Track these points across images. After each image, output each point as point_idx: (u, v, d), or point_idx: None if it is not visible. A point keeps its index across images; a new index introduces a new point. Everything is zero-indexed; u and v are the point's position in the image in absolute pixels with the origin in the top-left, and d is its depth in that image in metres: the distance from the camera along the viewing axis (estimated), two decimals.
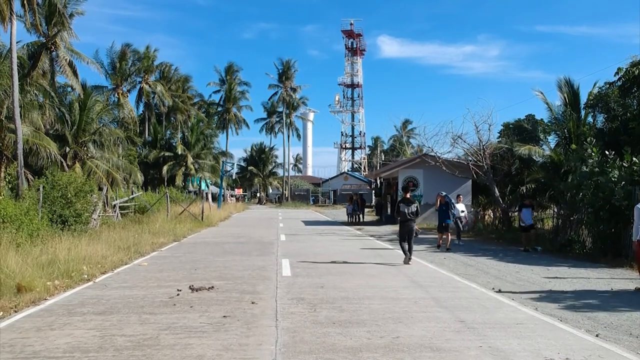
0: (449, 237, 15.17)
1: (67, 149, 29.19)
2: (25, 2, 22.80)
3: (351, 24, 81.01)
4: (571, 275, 10.54)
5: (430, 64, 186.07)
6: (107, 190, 21.31)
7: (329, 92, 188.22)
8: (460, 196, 19.02)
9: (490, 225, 23.20)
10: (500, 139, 26.11)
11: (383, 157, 69.90)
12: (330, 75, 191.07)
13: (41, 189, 15.75)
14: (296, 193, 72.82)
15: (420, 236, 19.58)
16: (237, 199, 78.51)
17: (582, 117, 20.10)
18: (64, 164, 27.27)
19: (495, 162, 22.39)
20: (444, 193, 15.50)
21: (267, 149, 74.64)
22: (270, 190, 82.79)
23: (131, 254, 12.85)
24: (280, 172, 74.61)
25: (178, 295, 7.87)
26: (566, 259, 13.52)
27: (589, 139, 15.08)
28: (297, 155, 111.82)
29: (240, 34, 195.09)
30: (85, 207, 17.56)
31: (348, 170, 78.72)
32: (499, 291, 8.55)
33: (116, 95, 42.52)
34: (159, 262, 11.93)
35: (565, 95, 21.07)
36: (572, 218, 15.78)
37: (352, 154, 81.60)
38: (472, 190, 25.45)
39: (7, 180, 16.99)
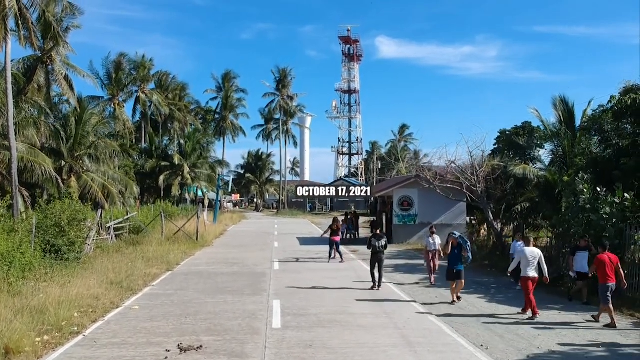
0: (462, 284, 12.85)
1: (63, 163, 29.18)
2: (19, 22, 22.72)
3: (348, 30, 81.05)
4: (561, 321, 10.66)
5: (428, 64, 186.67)
6: (101, 214, 21.24)
7: (327, 94, 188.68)
8: (519, 234, 15.88)
9: (485, 247, 23.23)
10: (496, 145, 26.05)
11: (380, 164, 69.89)
12: (329, 76, 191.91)
13: (34, 221, 15.73)
14: (293, 200, 72.81)
15: (411, 262, 19.67)
16: (235, 205, 78.58)
17: (577, 136, 20.14)
18: (59, 179, 27.28)
19: (489, 186, 22.36)
20: (457, 234, 13.21)
21: (264, 156, 74.67)
22: (268, 196, 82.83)
23: (123, 292, 12.87)
24: (277, 178, 74.66)
25: (166, 359, 7.88)
26: (559, 295, 13.61)
27: (580, 175, 15.12)
28: (295, 159, 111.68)
29: (239, 34, 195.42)
30: (79, 234, 17.55)
31: (345, 176, 78.75)
32: (487, 348, 8.66)
33: (112, 105, 42.49)
34: (151, 303, 11.93)
35: (561, 113, 21.16)
36: (564, 250, 15.84)
37: (349, 160, 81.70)
38: (467, 207, 25.55)
39: (4, 205, 16.94)
